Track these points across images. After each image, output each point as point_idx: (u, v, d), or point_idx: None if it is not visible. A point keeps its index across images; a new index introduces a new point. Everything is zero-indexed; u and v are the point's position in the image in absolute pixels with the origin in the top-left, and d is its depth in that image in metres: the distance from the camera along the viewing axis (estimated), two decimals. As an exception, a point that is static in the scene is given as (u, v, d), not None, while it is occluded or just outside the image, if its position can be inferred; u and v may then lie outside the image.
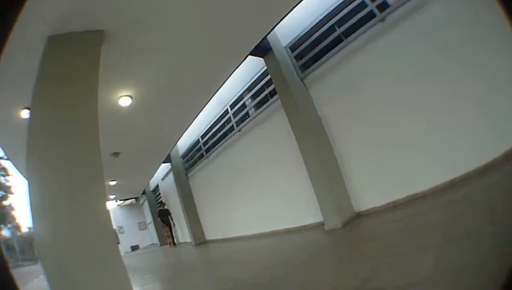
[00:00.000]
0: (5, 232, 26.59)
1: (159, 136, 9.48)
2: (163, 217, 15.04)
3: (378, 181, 5.56)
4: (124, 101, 6.46)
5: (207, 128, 10.44)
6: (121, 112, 6.83)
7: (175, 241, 15.46)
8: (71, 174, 3.36)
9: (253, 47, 6.17)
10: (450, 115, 4.52)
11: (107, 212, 3.59)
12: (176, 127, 9.32)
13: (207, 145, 10.74)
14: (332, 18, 5.99)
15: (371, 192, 5.73)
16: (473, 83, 4.27)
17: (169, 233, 15.28)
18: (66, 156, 3.43)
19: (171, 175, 13.61)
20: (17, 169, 8.24)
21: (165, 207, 15.19)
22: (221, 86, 7.33)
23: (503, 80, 3.96)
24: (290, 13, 5.72)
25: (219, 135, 9.86)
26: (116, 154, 9.54)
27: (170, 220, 15.03)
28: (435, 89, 4.66)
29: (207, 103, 8.09)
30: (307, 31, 6.44)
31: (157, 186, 17.99)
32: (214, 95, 7.72)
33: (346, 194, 6.05)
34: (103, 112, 6.34)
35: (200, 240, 12.43)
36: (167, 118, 8.19)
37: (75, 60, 3.93)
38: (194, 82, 6.77)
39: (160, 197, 17.19)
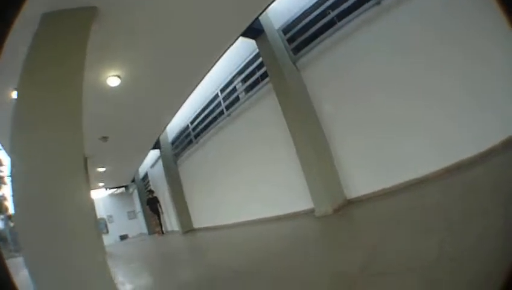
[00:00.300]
0: (-2, 223, 26.20)
1: (148, 119, 9.24)
2: (152, 205, 14.84)
3: (372, 167, 5.44)
4: (113, 81, 6.30)
5: (197, 113, 10.25)
6: (110, 93, 6.67)
7: (163, 229, 15.30)
8: (51, 157, 3.20)
9: (245, 28, 6.01)
10: (446, 99, 4.41)
11: (87, 198, 3.41)
12: (166, 110, 9.09)
13: (196, 131, 10.55)
14: (327, 1, 5.83)
15: (363, 178, 5.60)
16: (469, 68, 4.17)
17: (157, 221, 15.12)
18: (47, 138, 3.27)
19: (160, 163, 13.41)
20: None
21: (154, 195, 14.98)
22: (212, 66, 7.14)
23: (499, 65, 3.87)
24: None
25: (208, 119, 9.66)
26: (104, 138, 9.33)
27: (159, 208, 14.83)
28: (430, 73, 4.56)
29: (197, 85, 7.89)
30: (300, 14, 6.28)
31: (146, 175, 17.79)
32: (204, 76, 7.52)
33: (337, 180, 5.91)
34: (91, 93, 6.26)
35: (188, 228, 12.30)
36: (157, 100, 7.99)
37: (64, 38, 3.79)
38: (185, 63, 6.60)
39: (150, 186, 16.98)
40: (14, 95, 5.05)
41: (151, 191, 15.35)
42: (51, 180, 3.10)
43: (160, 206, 14.81)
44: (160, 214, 14.96)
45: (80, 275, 2.91)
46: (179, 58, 6.35)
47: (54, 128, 3.33)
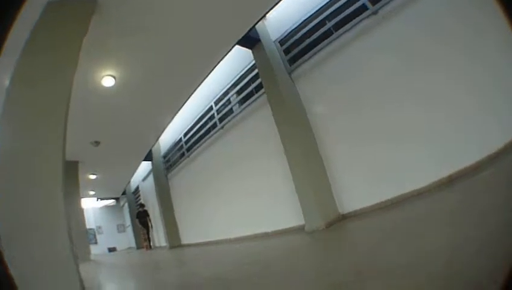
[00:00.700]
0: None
1: (141, 125, 9.11)
2: (141, 218, 14.46)
3: (367, 180, 5.27)
4: (107, 82, 6.26)
5: (190, 126, 10.12)
6: (104, 94, 6.63)
7: (151, 244, 14.89)
8: (27, 154, 3.06)
9: (242, 35, 6.04)
10: (445, 108, 4.30)
11: (59, 205, 3.08)
12: (160, 116, 8.95)
13: (189, 144, 10.39)
14: (324, 12, 5.84)
15: (358, 192, 5.42)
16: (468, 76, 4.09)
17: (146, 236, 14.68)
18: (31, 135, 3.14)
19: (151, 176, 13.20)
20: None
21: (144, 208, 14.64)
22: (208, 74, 7.11)
23: (498, 72, 3.80)
24: (281, 6, 5.71)
25: (201, 132, 9.50)
26: (96, 143, 9.21)
27: (148, 222, 14.46)
28: (428, 82, 4.45)
29: (193, 92, 7.83)
30: (297, 26, 6.29)
31: (137, 188, 17.49)
32: (200, 83, 7.46)
33: (330, 194, 5.72)
34: (85, 92, 6.19)
35: (175, 244, 11.97)
36: (151, 104, 7.91)
37: (62, 28, 3.79)
38: (182, 69, 6.56)
39: (140, 199, 16.70)
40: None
41: (141, 205, 14.97)
42: (23, 181, 2.92)
43: (149, 220, 14.45)
44: (150, 228, 14.56)
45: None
46: (176, 63, 6.32)
47: (36, 123, 3.19)
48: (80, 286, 2.87)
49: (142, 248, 15.71)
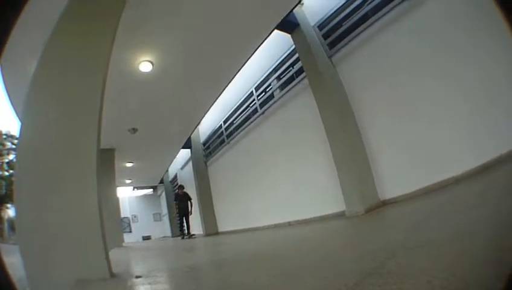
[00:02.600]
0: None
1: (180, 112, 9.19)
2: (181, 202, 12.67)
3: (407, 166, 5.09)
4: (145, 67, 6.31)
5: (230, 112, 10.18)
6: (141, 80, 6.69)
7: (190, 231, 13.11)
8: (59, 142, 3.09)
9: (280, 19, 5.99)
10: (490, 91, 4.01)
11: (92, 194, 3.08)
12: (198, 103, 8.96)
13: (229, 130, 10.46)
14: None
15: (398, 178, 5.25)
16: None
17: (184, 222, 12.87)
18: (58, 119, 3.15)
19: (190, 165, 13.28)
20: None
21: (184, 190, 12.80)
22: (247, 60, 7.08)
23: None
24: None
25: (242, 118, 9.53)
26: (134, 130, 9.35)
27: (190, 207, 12.70)
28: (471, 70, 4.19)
29: (232, 78, 7.84)
30: (335, 10, 6.19)
31: (175, 177, 17.65)
32: (239, 69, 7.46)
33: (371, 180, 5.60)
34: (122, 78, 6.26)
35: (212, 231, 12.07)
36: (189, 91, 7.95)
37: (93, 20, 3.67)
38: (221, 53, 6.55)
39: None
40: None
41: (181, 187, 13.03)
42: (56, 169, 2.97)
43: (191, 204, 12.73)
44: (189, 214, 12.74)
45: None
46: (214, 47, 6.32)
47: (68, 110, 3.19)
48: (108, 269, 2.93)
49: (178, 236, 14.29)
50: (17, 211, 2.92)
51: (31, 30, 4.01)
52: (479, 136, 4.07)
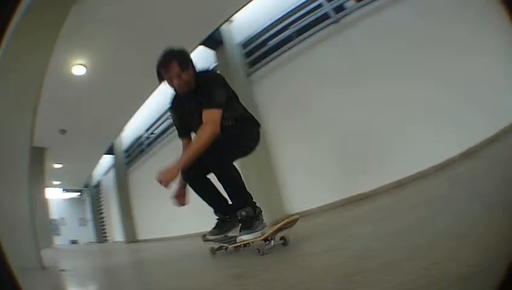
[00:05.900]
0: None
1: (107, 118, 9.32)
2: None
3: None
4: (78, 70, 6.37)
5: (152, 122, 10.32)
6: (73, 83, 6.74)
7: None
8: None
9: (206, 35, 6.33)
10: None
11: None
12: (124, 110, 9.17)
13: (149, 140, 10.54)
14: (287, 18, 6.10)
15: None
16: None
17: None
18: None
19: (112, 171, 13.29)
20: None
21: None
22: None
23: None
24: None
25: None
26: (63, 131, 9.31)
27: None
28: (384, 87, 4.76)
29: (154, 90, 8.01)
30: (262, 29, 6.53)
31: (99, 183, 17.55)
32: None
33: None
34: (54, 78, 6.25)
35: (131, 239, 11.97)
36: (118, 97, 8.10)
37: (36, 27, 3.72)
38: (151, 63, 6.74)
39: (101, 195, 16.87)
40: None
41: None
42: None
43: None
44: None
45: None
46: (146, 58, 6.48)
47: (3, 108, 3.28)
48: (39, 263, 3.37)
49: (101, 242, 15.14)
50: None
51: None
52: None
